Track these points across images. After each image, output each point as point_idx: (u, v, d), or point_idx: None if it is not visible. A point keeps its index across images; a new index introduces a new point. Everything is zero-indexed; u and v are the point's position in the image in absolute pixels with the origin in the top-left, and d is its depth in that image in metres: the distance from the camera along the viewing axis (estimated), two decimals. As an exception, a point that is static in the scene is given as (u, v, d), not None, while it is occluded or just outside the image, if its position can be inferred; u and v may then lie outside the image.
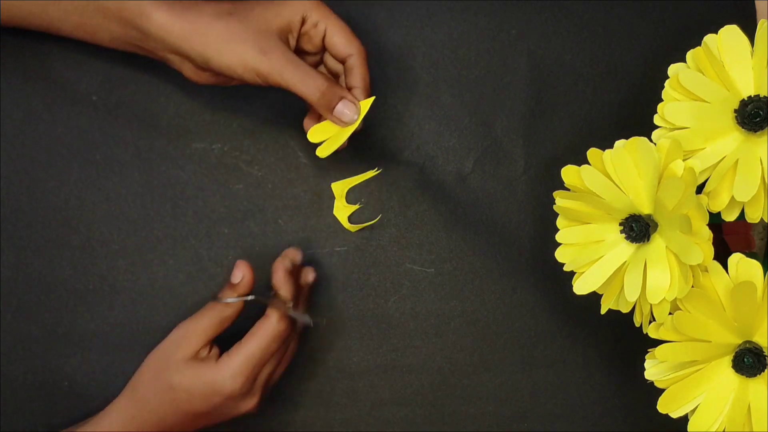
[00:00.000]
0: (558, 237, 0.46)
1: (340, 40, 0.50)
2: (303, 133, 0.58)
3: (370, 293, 0.59)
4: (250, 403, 0.51)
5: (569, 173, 0.44)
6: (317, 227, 0.58)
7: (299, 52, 0.52)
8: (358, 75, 0.50)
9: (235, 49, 0.47)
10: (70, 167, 0.57)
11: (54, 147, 0.57)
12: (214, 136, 0.57)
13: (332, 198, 0.58)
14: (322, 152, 0.51)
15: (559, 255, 0.46)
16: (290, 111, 0.58)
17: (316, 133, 0.51)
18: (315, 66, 0.53)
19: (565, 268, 0.46)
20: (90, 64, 0.56)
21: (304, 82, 0.48)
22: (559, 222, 0.46)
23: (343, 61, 0.51)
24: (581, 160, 0.43)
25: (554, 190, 0.45)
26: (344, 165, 0.58)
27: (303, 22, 0.50)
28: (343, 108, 0.49)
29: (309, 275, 0.56)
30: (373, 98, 0.50)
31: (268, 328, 0.51)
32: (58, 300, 0.57)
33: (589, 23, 0.59)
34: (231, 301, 0.51)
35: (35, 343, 0.56)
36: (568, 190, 0.45)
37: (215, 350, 0.51)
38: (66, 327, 0.57)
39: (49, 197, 0.56)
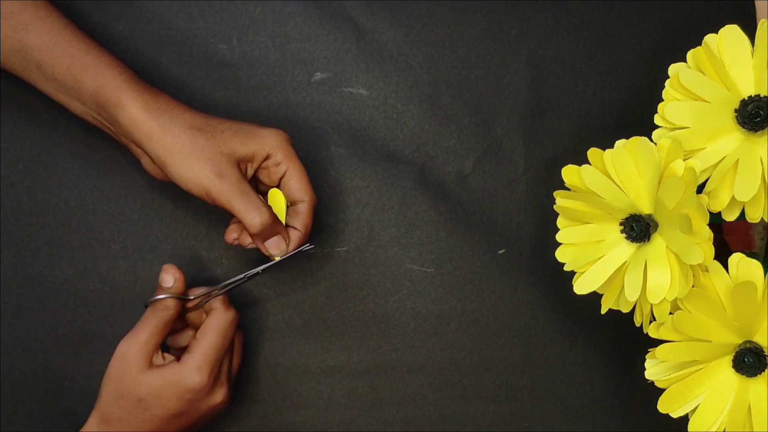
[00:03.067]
0: (558, 237, 0.46)
1: (296, 186, 0.52)
2: (303, 134, 0.58)
3: (370, 293, 0.59)
4: (219, 395, 0.52)
5: (569, 173, 0.44)
6: (317, 227, 0.58)
7: (254, 178, 0.53)
8: (300, 221, 0.53)
9: (192, 165, 0.49)
10: (71, 168, 0.57)
11: (54, 147, 0.57)
12: (214, 136, 0.57)
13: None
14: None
15: (560, 255, 0.46)
16: (290, 111, 0.58)
17: None
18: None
19: (566, 268, 0.46)
20: (90, 64, 0.56)
21: (249, 213, 0.50)
22: (560, 222, 0.46)
23: (292, 203, 0.53)
24: (581, 160, 0.44)
25: (554, 190, 0.45)
26: (344, 164, 0.58)
27: (267, 157, 0.52)
28: (275, 242, 0.52)
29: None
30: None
31: (219, 319, 0.52)
32: (58, 300, 0.57)
33: (589, 23, 0.59)
34: (189, 298, 0.53)
35: (35, 343, 0.56)
36: (569, 190, 0.45)
37: (168, 356, 0.51)
38: (66, 327, 0.57)
39: (50, 197, 0.56)
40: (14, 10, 0.49)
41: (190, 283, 0.57)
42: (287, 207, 0.54)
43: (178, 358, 0.51)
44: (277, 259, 0.53)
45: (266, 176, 0.53)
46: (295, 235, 0.53)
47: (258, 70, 0.58)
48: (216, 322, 0.52)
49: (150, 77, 0.56)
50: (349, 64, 0.58)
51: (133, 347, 0.50)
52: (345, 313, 0.59)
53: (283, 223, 0.53)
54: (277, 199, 0.53)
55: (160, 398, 0.50)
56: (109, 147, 0.57)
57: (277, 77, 0.58)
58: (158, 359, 0.51)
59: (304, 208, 0.53)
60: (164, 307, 0.51)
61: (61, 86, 0.50)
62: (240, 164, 0.51)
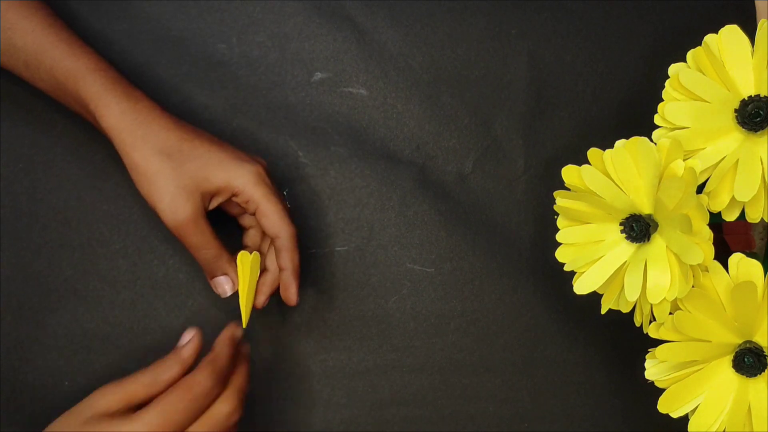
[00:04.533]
0: (558, 237, 0.46)
1: (269, 222, 0.51)
2: (303, 134, 0.58)
3: (370, 293, 0.59)
4: None
5: (569, 173, 0.44)
6: (317, 227, 0.58)
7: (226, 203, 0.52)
8: (286, 257, 0.52)
9: (153, 192, 0.49)
10: (70, 168, 0.57)
11: (54, 147, 0.57)
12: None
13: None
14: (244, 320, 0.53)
15: (560, 255, 0.46)
16: (290, 111, 0.58)
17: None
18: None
19: (566, 268, 0.46)
20: (90, 64, 0.56)
21: (196, 249, 0.50)
22: (560, 222, 0.46)
23: (272, 240, 0.52)
24: (581, 160, 0.44)
25: (554, 190, 0.45)
26: (344, 164, 0.58)
27: (234, 194, 0.51)
28: (221, 281, 0.52)
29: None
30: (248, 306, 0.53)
31: (191, 383, 0.45)
32: (58, 300, 0.57)
33: (589, 23, 0.59)
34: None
35: (35, 343, 0.56)
36: (569, 189, 0.45)
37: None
38: (66, 327, 0.57)
39: (49, 198, 0.56)
40: (1, 9, 0.49)
41: (190, 281, 0.57)
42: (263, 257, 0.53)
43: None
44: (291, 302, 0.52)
45: (236, 208, 0.53)
46: (287, 276, 0.52)
47: (257, 70, 0.58)
48: (188, 384, 0.45)
49: (148, 77, 0.56)
50: (349, 64, 0.58)
51: (113, 390, 0.45)
52: (345, 313, 0.59)
53: (251, 290, 0.52)
54: (244, 262, 0.52)
55: None
56: (109, 147, 0.57)
57: (276, 77, 0.58)
58: (120, 412, 0.45)
59: (283, 244, 0.52)
60: (164, 365, 0.46)
61: (48, 86, 0.51)
62: (204, 197, 0.50)
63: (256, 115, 0.58)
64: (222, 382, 0.47)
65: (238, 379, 0.49)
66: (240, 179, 0.50)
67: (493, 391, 0.59)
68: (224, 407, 0.47)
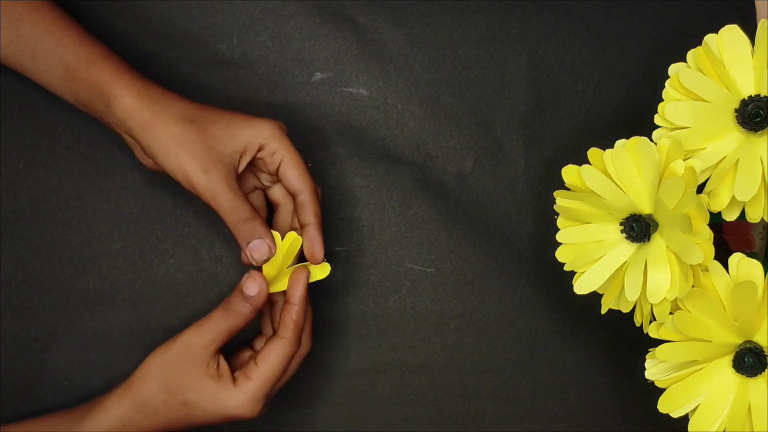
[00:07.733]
0: (558, 237, 0.46)
1: (293, 175, 0.51)
2: (303, 134, 0.58)
3: (370, 293, 0.59)
4: (255, 413, 0.51)
5: (570, 173, 0.44)
6: (317, 227, 0.58)
7: (252, 171, 0.53)
8: (309, 211, 0.52)
9: (181, 157, 0.49)
10: (71, 167, 0.57)
11: (54, 147, 0.57)
12: (214, 136, 0.57)
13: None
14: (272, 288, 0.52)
15: (560, 255, 0.46)
16: (290, 111, 0.58)
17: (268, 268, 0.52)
18: (271, 182, 0.54)
19: (566, 268, 0.46)
20: (90, 63, 0.56)
21: (231, 211, 0.50)
22: (560, 222, 0.46)
23: (294, 196, 0.52)
24: (581, 160, 0.44)
25: (554, 190, 0.45)
26: (344, 164, 0.58)
27: (260, 148, 0.51)
28: (258, 245, 0.50)
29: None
30: (328, 268, 0.53)
31: (287, 351, 0.50)
32: (58, 300, 0.57)
33: (589, 23, 0.59)
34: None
35: (35, 343, 0.56)
36: (569, 189, 0.45)
37: (223, 363, 0.50)
38: (66, 327, 0.57)
39: (50, 197, 0.56)
40: (9, 2, 0.50)
41: (190, 281, 0.57)
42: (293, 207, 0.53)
43: (232, 371, 0.50)
44: (324, 274, 0.53)
45: (263, 166, 0.52)
46: (311, 230, 0.52)
47: (258, 70, 0.58)
48: (282, 354, 0.50)
49: (150, 77, 0.56)
50: (349, 64, 0.58)
51: (197, 347, 0.49)
52: (345, 312, 0.59)
53: (289, 263, 0.53)
54: (290, 240, 0.52)
55: (204, 411, 0.49)
56: (109, 146, 0.57)
57: (277, 77, 0.58)
58: (213, 365, 0.50)
59: (306, 198, 0.52)
60: (237, 313, 0.50)
61: (54, 76, 0.50)
62: (232, 158, 0.50)
63: (257, 115, 0.58)
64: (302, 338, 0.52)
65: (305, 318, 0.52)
66: (265, 132, 0.50)
67: (493, 391, 0.59)
68: (302, 350, 0.53)
